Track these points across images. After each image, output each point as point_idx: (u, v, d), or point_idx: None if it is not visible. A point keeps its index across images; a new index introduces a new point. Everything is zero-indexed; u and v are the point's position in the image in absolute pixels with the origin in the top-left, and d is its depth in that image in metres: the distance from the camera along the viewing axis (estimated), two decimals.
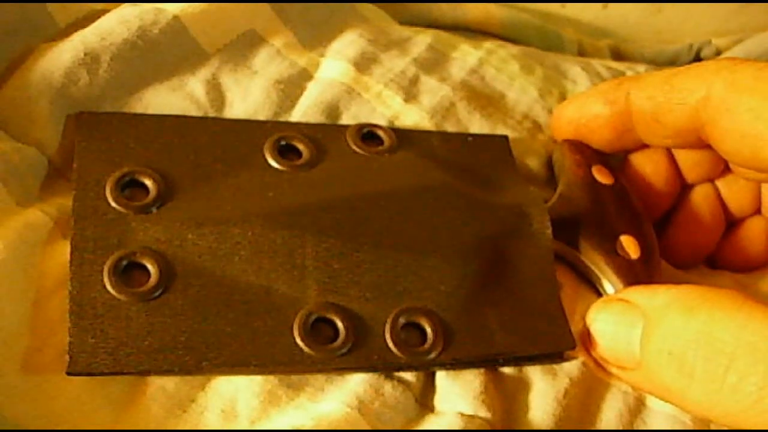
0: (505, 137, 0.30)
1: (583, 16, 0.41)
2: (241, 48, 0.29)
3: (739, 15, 0.42)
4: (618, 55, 0.41)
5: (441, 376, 0.24)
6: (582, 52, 0.40)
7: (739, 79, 0.25)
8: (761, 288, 0.31)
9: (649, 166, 0.30)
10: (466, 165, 0.29)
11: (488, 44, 0.35)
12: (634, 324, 0.24)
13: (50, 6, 0.27)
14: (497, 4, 0.38)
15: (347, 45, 0.31)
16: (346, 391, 0.23)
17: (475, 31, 0.37)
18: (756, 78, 0.25)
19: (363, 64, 0.30)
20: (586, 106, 0.30)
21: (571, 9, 0.41)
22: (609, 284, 0.27)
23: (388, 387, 0.23)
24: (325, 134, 0.28)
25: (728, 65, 0.26)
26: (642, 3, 0.41)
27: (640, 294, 0.25)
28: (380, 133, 0.28)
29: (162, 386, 0.22)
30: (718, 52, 0.41)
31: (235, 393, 0.22)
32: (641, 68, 0.37)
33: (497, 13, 0.38)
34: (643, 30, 0.42)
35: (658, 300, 0.24)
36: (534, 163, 0.31)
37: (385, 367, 0.24)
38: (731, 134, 0.26)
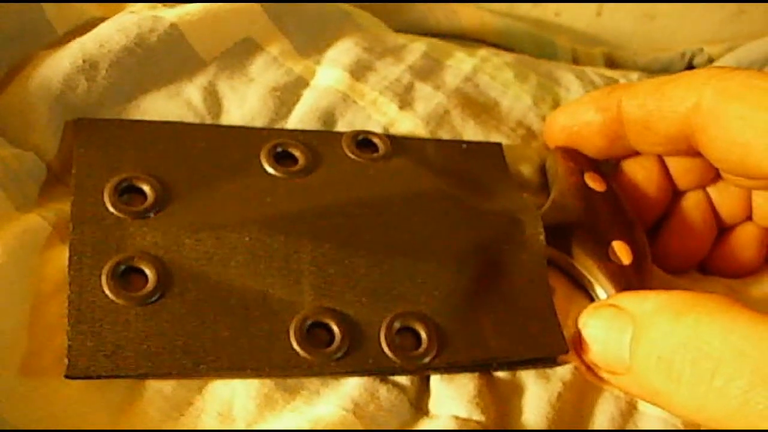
0: (499, 144, 0.31)
1: (577, 24, 0.41)
2: (238, 55, 0.30)
3: (731, 23, 0.43)
4: (611, 62, 0.41)
5: (435, 380, 0.24)
6: (576, 60, 0.40)
7: (729, 87, 0.25)
8: (752, 294, 0.31)
9: (641, 173, 0.31)
10: (460, 172, 0.29)
11: (483, 52, 0.35)
12: (623, 329, 0.24)
13: (49, 13, 0.27)
14: (492, 12, 0.38)
15: (343, 53, 0.31)
16: (341, 395, 0.23)
17: (470, 39, 0.38)
18: (744, 86, 0.25)
19: (358, 71, 0.31)
20: (578, 114, 0.30)
21: (564, 17, 0.41)
22: (601, 289, 0.27)
23: (383, 390, 0.24)
24: (320, 141, 0.28)
25: (718, 74, 0.26)
26: (635, 12, 0.41)
27: (630, 299, 0.25)
28: (375, 140, 0.28)
29: (159, 389, 0.22)
30: (711, 60, 0.41)
31: (231, 396, 0.23)
32: (634, 76, 0.38)
33: (492, 22, 0.38)
34: (636, 38, 0.42)
35: (647, 305, 0.24)
36: (527, 169, 0.31)
37: (380, 371, 0.24)
38: (720, 142, 0.26)
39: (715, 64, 0.41)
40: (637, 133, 0.28)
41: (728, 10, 0.42)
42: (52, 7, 0.28)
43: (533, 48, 0.39)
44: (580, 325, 0.26)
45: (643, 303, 0.24)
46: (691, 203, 0.31)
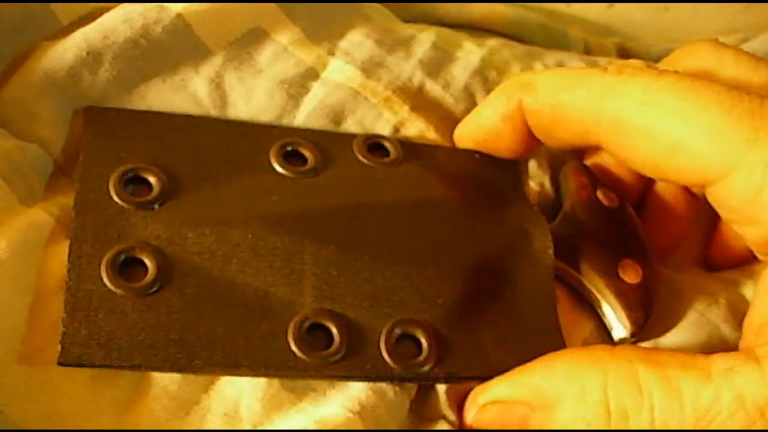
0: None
1: (589, 14, 0.41)
2: (246, 46, 0.29)
3: (745, 14, 0.42)
4: (624, 53, 0.41)
5: (441, 384, 0.24)
6: (588, 51, 0.40)
7: (626, 107, 0.24)
8: (748, 287, 0.30)
9: (609, 162, 0.30)
10: (471, 181, 0.28)
11: (492, 42, 0.34)
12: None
13: (53, 4, 0.27)
14: (503, 2, 0.38)
15: (355, 47, 0.31)
16: (348, 397, 0.23)
17: (480, 29, 0.37)
18: (642, 102, 0.24)
19: (371, 68, 0.30)
20: (485, 126, 0.29)
21: (576, 7, 0.41)
22: (608, 307, 0.27)
23: (390, 393, 0.23)
24: (331, 142, 0.28)
25: (613, 85, 0.25)
26: (648, 2, 0.41)
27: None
28: (387, 144, 0.28)
29: (165, 387, 0.22)
30: None
31: (238, 396, 0.22)
32: None
33: (502, 12, 0.37)
34: (649, 28, 0.42)
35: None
36: (539, 182, 0.31)
37: (379, 377, 0.23)
38: (632, 161, 0.25)
39: None
40: (544, 137, 0.28)
41: (743, 1, 0.42)
42: None
43: (544, 38, 0.38)
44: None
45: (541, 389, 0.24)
46: (661, 186, 0.31)
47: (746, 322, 0.26)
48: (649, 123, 0.24)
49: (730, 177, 0.22)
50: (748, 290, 0.30)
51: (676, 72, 0.24)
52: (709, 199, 0.24)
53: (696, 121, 0.23)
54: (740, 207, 0.23)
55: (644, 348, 0.25)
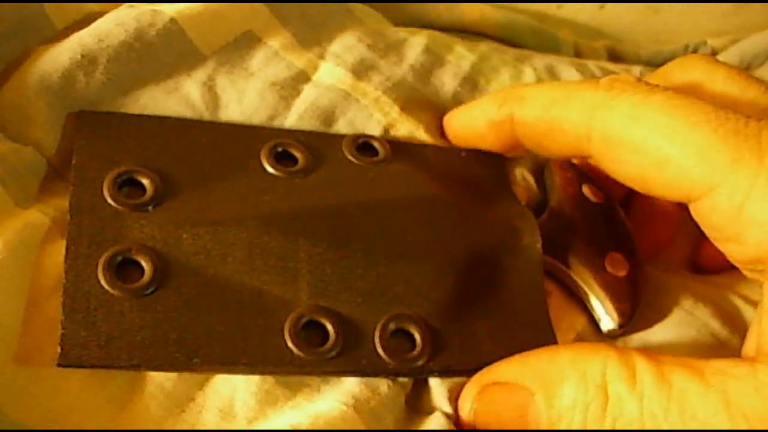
0: (499, 154, 0.30)
1: (579, 17, 0.41)
2: (238, 49, 0.29)
3: (734, 15, 0.42)
4: (614, 56, 0.41)
5: (434, 377, 0.24)
6: (578, 54, 0.40)
7: (615, 123, 0.24)
8: (742, 291, 0.30)
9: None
10: (459, 178, 0.29)
11: (483, 47, 0.35)
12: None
13: (48, 8, 0.27)
14: (493, 5, 0.38)
15: (346, 50, 0.31)
16: (342, 391, 0.23)
17: (471, 33, 0.37)
18: (630, 118, 0.24)
19: (362, 71, 0.30)
20: (471, 127, 0.29)
21: (567, 10, 0.41)
22: (596, 300, 0.27)
23: (383, 387, 0.24)
24: (321, 142, 0.28)
25: (605, 102, 0.25)
26: (638, 4, 0.41)
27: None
28: (375, 144, 0.28)
29: (160, 384, 0.22)
30: (714, 53, 0.41)
31: (232, 392, 0.23)
32: (637, 70, 0.38)
33: (493, 15, 0.38)
34: (639, 31, 0.42)
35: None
36: (526, 179, 0.31)
37: (374, 372, 0.24)
38: (619, 175, 0.26)
39: (720, 57, 0.40)
40: (533, 147, 0.28)
41: (731, 3, 0.42)
42: (51, 2, 0.27)
43: (535, 41, 0.39)
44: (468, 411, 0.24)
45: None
46: None
47: (751, 332, 0.26)
48: (638, 138, 0.24)
49: (714, 194, 0.23)
50: (734, 294, 0.30)
51: (665, 89, 0.25)
52: (694, 215, 0.24)
53: (683, 138, 0.23)
54: (722, 224, 0.23)
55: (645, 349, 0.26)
